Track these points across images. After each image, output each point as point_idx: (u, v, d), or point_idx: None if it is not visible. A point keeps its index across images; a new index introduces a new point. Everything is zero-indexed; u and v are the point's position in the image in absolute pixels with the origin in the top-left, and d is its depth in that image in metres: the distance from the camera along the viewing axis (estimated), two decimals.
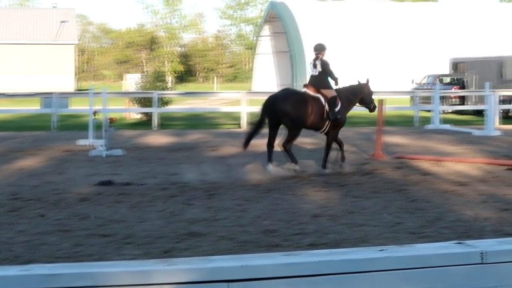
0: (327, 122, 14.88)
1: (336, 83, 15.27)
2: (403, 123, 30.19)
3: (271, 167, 14.56)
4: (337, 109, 14.90)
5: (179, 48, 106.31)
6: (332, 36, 64.00)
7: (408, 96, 37.60)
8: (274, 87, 71.46)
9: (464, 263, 2.92)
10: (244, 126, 27.35)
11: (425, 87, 39.66)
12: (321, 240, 8.81)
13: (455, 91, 36.43)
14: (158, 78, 38.25)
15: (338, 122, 15.02)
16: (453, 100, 38.05)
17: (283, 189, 12.72)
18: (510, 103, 33.69)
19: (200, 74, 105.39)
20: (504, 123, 29.55)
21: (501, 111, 32.67)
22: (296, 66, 63.82)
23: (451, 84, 39.85)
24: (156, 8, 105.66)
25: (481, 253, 2.92)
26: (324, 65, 15.08)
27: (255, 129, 14.92)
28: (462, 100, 37.59)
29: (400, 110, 33.68)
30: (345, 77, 66.87)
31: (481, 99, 32.49)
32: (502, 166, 15.77)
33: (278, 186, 13.10)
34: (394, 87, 50.40)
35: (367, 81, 16.18)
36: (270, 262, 2.82)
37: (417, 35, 66.02)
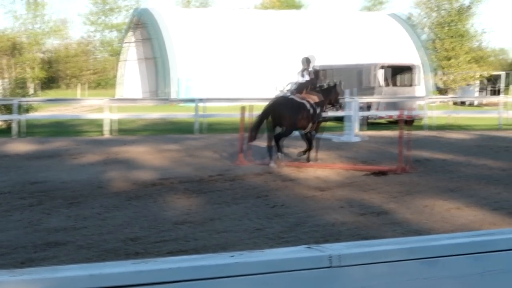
0: (312, 123, 17.53)
1: (316, 89, 17.92)
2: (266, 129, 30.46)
3: (280, 156, 17.18)
4: (320, 112, 17.67)
5: (42, 55, 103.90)
6: (198, 43, 64.11)
7: None
8: (139, 94, 71.01)
9: (314, 267, 2.96)
10: (108, 133, 26.98)
11: (288, 94, 40.21)
12: (181, 248, 8.78)
13: None
14: (19, 85, 37.20)
15: (319, 122, 17.83)
16: None
17: (145, 197, 12.61)
18: (368, 110, 34.63)
19: (64, 81, 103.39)
20: (363, 130, 30.33)
21: (361, 117, 33.54)
22: (162, 72, 63.52)
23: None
24: (18, 13, 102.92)
25: (329, 257, 2.96)
26: (315, 74, 18.25)
27: (256, 128, 17.20)
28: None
29: None
30: (213, 83, 67.18)
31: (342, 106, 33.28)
32: (360, 171, 16.19)
33: (140, 193, 12.98)
34: (259, 93, 50.97)
35: (335, 85, 18.78)
36: (118, 271, 2.77)
37: (282, 42, 67.02)
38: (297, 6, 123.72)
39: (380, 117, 35.02)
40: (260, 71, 64.11)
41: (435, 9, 40.63)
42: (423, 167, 17.06)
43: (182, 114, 35.69)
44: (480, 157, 19.26)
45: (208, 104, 31.52)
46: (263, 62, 65.12)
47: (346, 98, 26.91)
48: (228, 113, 34.54)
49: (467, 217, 10.83)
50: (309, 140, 17.95)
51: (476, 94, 58.76)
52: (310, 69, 18.10)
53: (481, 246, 3.18)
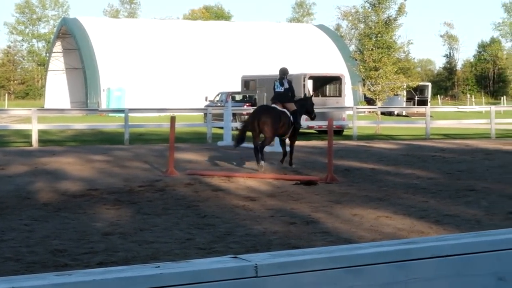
0: (291, 129, 18.98)
1: (294, 98, 19.41)
2: (196, 140, 30.48)
3: (263, 164, 18.19)
4: (298, 119, 19.28)
5: None
6: (126, 53, 63.69)
7: (201, 113, 37.99)
8: (67, 104, 70.16)
9: (239, 277, 2.95)
10: (35, 144, 26.58)
11: (218, 104, 40.21)
12: (111, 259, 8.68)
13: (247, 108, 37.08)
14: None
15: (297, 129, 19.34)
16: (245, 117, 38.80)
17: (73, 208, 12.45)
18: None
19: None
20: None
21: None
22: (91, 82, 62.87)
23: (243, 101, 40.59)
24: None
25: (255, 267, 2.96)
26: (291, 84, 19.49)
27: (242, 134, 19.02)
28: None
29: (193, 127, 33.94)
30: (142, 93, 66.55)
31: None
32: (290, 181, 16.27)
33: (68, 205, 12.81)
34: (187, 104, 50.88)
35: (311, 96, 21.97)
36: (40, 283, 2.72)
37: (211, 53, 67.00)
38: (226, 17, 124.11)
39: (310, 127, 35.25)
40: (190, 82, 64.01)
41: (363, 20, 41.05)
42: (352, 177, 17.23)
43: (111, 124, 35.41)
44: (408, 166, 19.54)
45: (137, 115, 31.33)
46: (193, 73, 65.04)
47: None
48: (157, 123, 34.41)
49: (395, 225, 10.96)
50: (284, 146, 19.53)
51: (404, 104, 59.69)
52: (286, 79, 19.45)
53: (405, 254, 3.22)
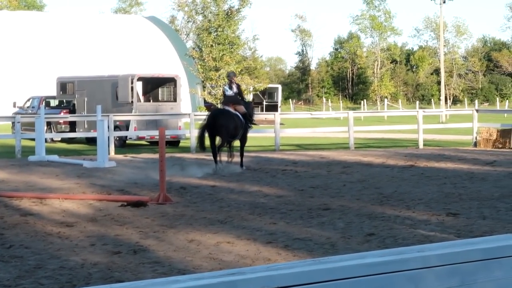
0: (241, 131, 23.12)
1: (243, 101, 24.25)
2: (4, 154, 29.83)
3: (220, 166, 22.61)
4: (247, 121, 23.51)
5: None
6: None
7: (9, 122, 37.08)
8: None
9: None
10: None
11: (29, 111, 39.40)
12: None
13: (64, 116, 36.48)
14: None
15: (246, 130, 23.69)
16: (62, 126, 38.25)
17: None
18: (127, 129, 34.61)
19: None
20: (120, 153, 30.34)
21: (117, 138, 33.56)
22: None
23: (59, 107, 39.84)
24: None
25: None
26: (239, 88, 23.92)
27: (201, 136, 22.86)
28: (73, 126, 37.72)
29: None
30: None
31: (94, 125, 32.91)
32: (115, 202, 16.17)
33: None
34: None
35: (252, 100, 26.15)
36: None
37: (19, 50, 65.67)
38: (38, 7, 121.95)
39: (141, 138, 35.15)
40: None
41: (201, 12, 41.26)
42: (190, 196, 17.32)
43: None
44: (255, 183, 19.82)
45: None
46: None
47: (98, 116, 26.68)
48: None
49: (238, 252, 11.10)
50: (231, 147, 23.51)
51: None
52: (234, 83, 23.55)
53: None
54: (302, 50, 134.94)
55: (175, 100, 37.61)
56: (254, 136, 39.84)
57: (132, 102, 35.75)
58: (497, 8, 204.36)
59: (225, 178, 21.00)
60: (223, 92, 23.75)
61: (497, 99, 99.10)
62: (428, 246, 3.66)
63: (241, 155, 23.51)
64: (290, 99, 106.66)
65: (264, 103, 63.43)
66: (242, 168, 22.98)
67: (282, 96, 73.18)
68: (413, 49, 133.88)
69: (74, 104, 39.10)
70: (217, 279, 3.27)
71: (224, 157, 23.28)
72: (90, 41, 68.96)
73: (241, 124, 23.01)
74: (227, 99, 23.55)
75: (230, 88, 23.34)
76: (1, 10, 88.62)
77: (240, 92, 23.79)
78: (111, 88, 36.92)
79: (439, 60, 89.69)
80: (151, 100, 37.91)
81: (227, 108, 23.14)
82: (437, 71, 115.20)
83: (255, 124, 24.97)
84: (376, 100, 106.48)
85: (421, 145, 32.83)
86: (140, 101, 36.84)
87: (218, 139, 22.70)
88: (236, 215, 14.52)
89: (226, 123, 22.42)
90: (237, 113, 22.95)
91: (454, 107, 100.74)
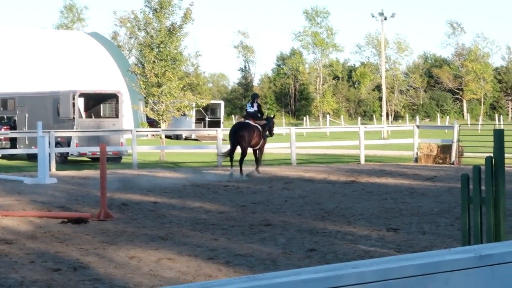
0: (261, 141, 27.15)
1: (262, 117, 28.02)
2: None
3: (234, 175, 26.32)
4: (266, 133, 27.48)
5: None
6: None
7: None
8: None
9: None
10: None
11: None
12: None
13: (4, 132, 36.23)
14: None
15: (265, 141, 27.75)
16: (3, 142, 37.93)
17: None
18: (68, 145, 34.41)
19: None
20: (62, 169, 30.14)
21: (58, 154, 33.32)
22: None
23: (0, 123, 39.55)
24: None
25: None
26: (260, 107, 28.13)
27: (232, 149, 26.99)
28: (14, 142, 37.51)
29: None
30: None
31: (35, 141, 32.67)
32: (56, 218, 16.04)
33: None
34: None
35: (273, 116, 30.90)
36: None
37: None
38: None
39: (82, 154, 34.96)
40: None
41: (143, 28, 41.16)
42: (131, 212, 17.26)
43: None
44: (197, 199, 19.81)
45: None
46: None
47: (39, 132, 26.49)
48: None
49: (179, 268, 11.08)
50: (256, 155, 27.53)
51: (193, 126, 60.46)
52: (256, 102, 27.67)
53: None
54: (245, 66, 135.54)
55: (117, 116, 37.51)
56: (197, 152, 39.88)
57: (73, 118, 35.61)
58: (437, 25, 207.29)
59: (167, 194, 20.96)
60: (245, 109, 28.50)
61: (438, 115, 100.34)
62: (363, 262, 3.69)
63: (257, 162, 27.43)
64: (233, 115, 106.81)
65: (207, 119, 63.37)
66: (258, 173, 26.86)
67: (225, 112, 73.19)
68: (355, 66, 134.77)
69: (15, 120, 38.88)
70: None
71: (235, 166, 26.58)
72: (31, 57, 68.48)
73: (260, 134, 27.03)
74: (247, 114, 27.75)
75: (252, 106, 27.73)
76: None
77: (260, 111, 27.96)
78: (53, 104, 36.76)
79: (381, 76, 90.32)
80: (93, 116, 37.77)
81: (247, 121, 27.19)
82: (378, 87, 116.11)
83: (273, 135, 28.54)
84: (318, 116, 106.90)
85: (362, 161, 33.04)
86: (82, 117, 36.70)
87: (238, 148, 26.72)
88: (178, 231, 14.50)
89: (247, 133, 26.54)
90: (257, 124, 26.99)
91: (396, 123, 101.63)
